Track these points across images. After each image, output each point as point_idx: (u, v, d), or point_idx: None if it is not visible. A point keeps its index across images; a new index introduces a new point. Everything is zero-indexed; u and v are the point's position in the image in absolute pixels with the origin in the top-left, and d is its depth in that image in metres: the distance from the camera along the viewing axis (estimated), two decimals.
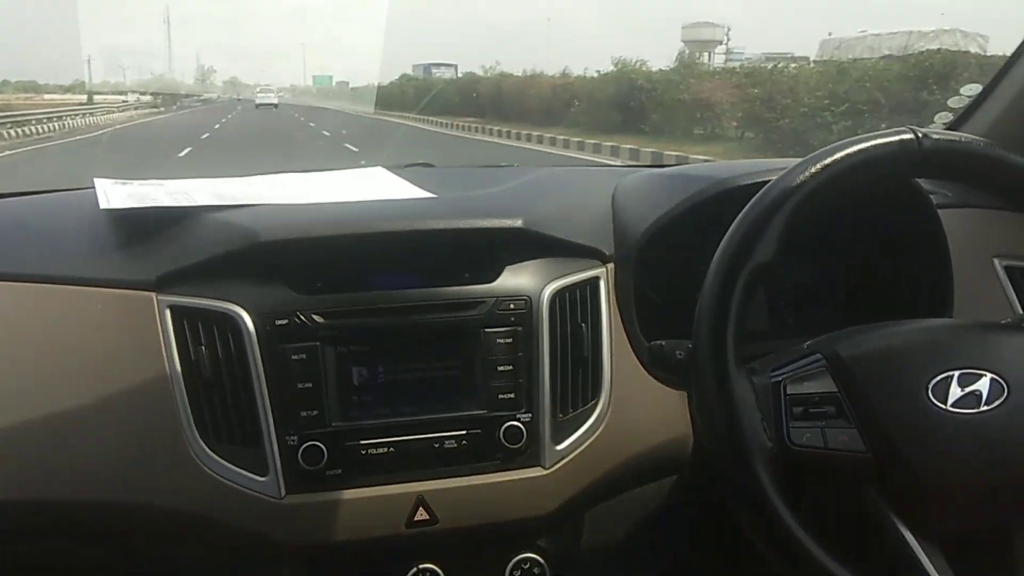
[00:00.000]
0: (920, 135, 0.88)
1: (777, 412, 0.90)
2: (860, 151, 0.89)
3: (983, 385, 0.85)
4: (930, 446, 0.85)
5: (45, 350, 0.99)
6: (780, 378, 0.92)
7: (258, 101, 35.71)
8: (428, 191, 1.22)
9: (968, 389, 0.85)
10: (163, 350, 0.98)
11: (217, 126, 21.81)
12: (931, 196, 1.21)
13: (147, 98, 36.63)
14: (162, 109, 34.40)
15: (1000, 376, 0.84)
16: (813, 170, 0.88)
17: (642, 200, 1.19)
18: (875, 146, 0.88)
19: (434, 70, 36.99)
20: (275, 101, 36.46)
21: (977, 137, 0.91)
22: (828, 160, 0.89)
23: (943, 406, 0.84)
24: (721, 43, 39.42)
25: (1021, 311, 1.20)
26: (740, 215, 0.90)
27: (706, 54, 32.42)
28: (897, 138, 0.88)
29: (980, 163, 0.91)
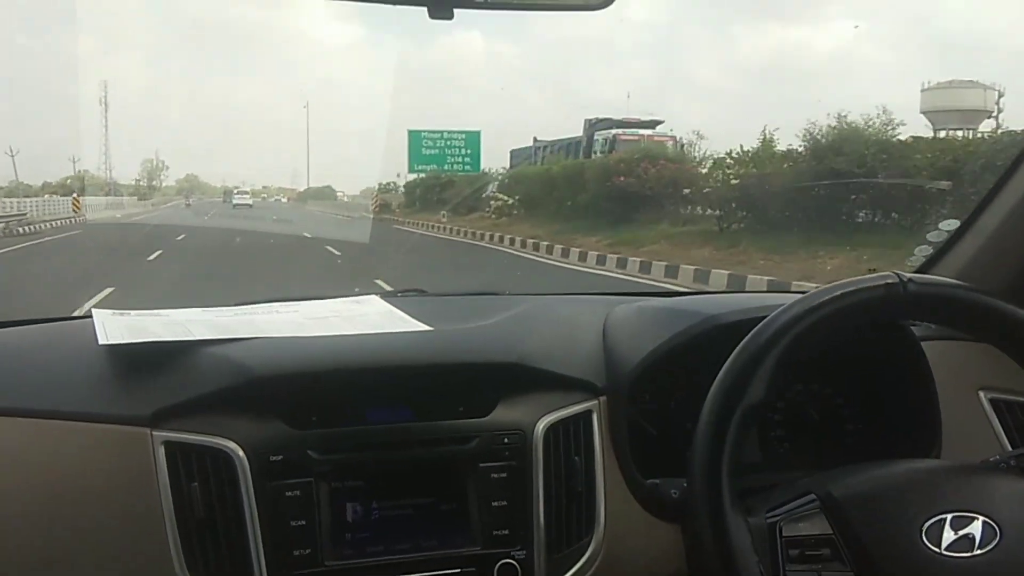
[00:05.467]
0: (905, 280, 0.92)
1: (774, 555, 0.91)
2: (847, 295, 0.92)
3: (976, 528, 0.86)
4: None
5: (38, 484, 0.98)
6: (776, 519, 0.93)
7: (235, 202, 35.70)
8: (422, 322, 1.23)
9: (961, 532, 0.86)
10: (156, 486, 0.97)
11: None
12: (913, 328, 1.24)
13: None
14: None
15: (992, 519, 0.86)
16: (802, 312, 0.92)
17: (634, 333, 1.21)
18: (861, 290, 0.92)
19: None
20: (250, 202, 36.70)
21: (958, 282, 0.95)
22: (816, 303, 0.92)
23: (937, 550, 0.85)
24: (991, 115, 20.67)
25: (1008, 444, 1.21)
26: (732, 356, 0.93)
27: (967, 131, 16.09)
28: (883, 283, 0.92)
29: (962, 306, 0.94)
